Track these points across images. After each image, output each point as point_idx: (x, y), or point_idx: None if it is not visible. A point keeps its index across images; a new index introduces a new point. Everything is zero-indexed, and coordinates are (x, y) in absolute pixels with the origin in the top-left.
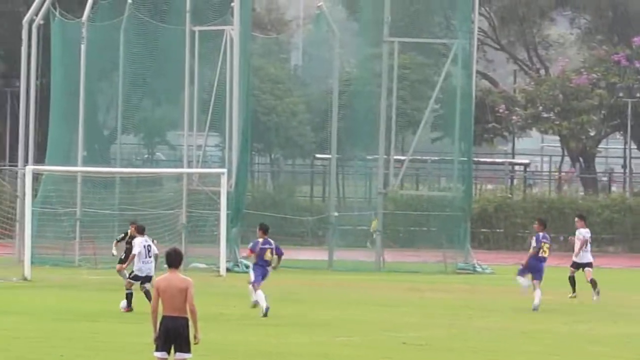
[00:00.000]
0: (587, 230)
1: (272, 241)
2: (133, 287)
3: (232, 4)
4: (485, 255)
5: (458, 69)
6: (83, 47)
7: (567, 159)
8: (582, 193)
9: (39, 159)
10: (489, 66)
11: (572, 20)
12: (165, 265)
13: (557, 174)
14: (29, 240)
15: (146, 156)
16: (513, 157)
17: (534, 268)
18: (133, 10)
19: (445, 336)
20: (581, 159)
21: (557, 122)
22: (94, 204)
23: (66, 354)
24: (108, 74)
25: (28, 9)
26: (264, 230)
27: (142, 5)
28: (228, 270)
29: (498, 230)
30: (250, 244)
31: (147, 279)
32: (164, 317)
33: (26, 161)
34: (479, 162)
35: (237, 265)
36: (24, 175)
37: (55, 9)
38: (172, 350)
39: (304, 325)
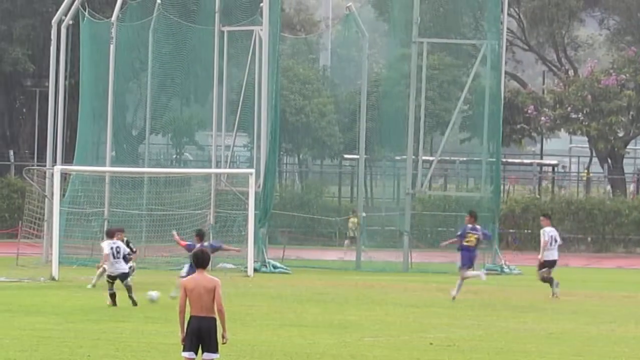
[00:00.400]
0: (552, 228)
1: (206, 244)
2: (115, 287)
3: (261, 5)
4: (513, 256)
5: (487, 69)
6: (112, 47)
7: (595, 159)
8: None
9: (67, 158)
10: (517, 67)
11: (601, 21)
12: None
13: (585, 175)
14: (56, 240)
15: (174, 156)
16: (541, 158)
17: (465, 257)
18: (162, 11)
19: (472, 337)
20: (609, 160)
21: (586, 123)
22: (121, 204)
23: (93, 354)
24: (137, 74)
25: (57, 9)
26: (201, 236)
27: (171, 6)
28: (255, 270)
29: (526, 231)
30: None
31: (123, 276)
32: (191, 317)
33: (54, 161)
34: (507, 163)
35: (265, 266)
36: (52, 175)
37: (84, 9)
38: (200, 351)
39: (331, 326)
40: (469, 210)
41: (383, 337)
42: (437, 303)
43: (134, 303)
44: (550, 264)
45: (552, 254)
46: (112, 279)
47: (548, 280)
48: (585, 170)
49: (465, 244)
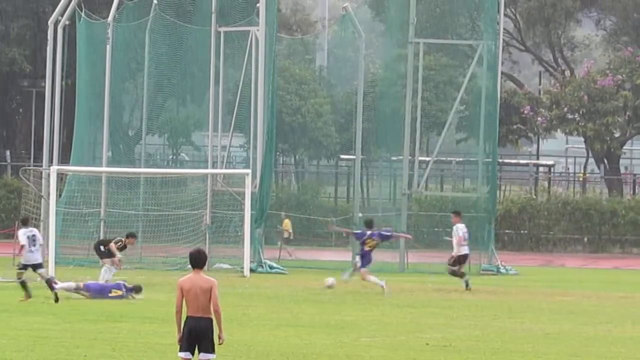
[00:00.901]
0: (463, 225)
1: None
2: (24, 276)
3: (258, 5)
4: (509, 257)
5: (483, 70)
6: (108, 47)
7: (591, 160)
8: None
9: (64, 159)
10: (514, 67)
11: (598, 22)
12: (189, 266)
13: (581, 175)
14: (53, 241)
15: (171, 157)
16: (538, 159)
17: (365, 260)
18: (158, 11)
19: (469, 337)
20: (606, 161)
21: (582, 124)
22: (118, 205)
23: (90, 354)
24: (133, 75)
25: (54, 9)
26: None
27: (167, 6)
28: (252, 270)
29: (522, 231)
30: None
31: (36, 266)
32: (188, 317)
33: (51, 161)
34: (503, 164)
35: (261, 266)
36: (49, 175)
37: (80, 9)
38: (197, 351)
39: (327, 326)
40: (364, 220)
41: (380, 338)
42: (433, 303)
43: (56, 299)
44: (463, 259)
45: (465, 249)
46: (24, 268)
47: (459, 274)
48: (582, 172)
49: (366, 248)
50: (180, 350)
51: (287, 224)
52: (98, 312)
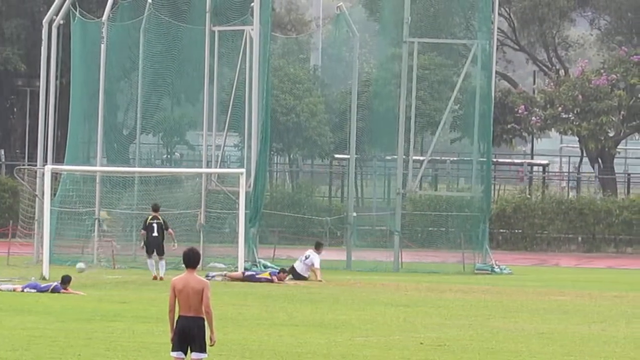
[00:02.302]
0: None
1: None
2: None
3: (252, 4)
4: (503, 256)
5: (477, 69)
6: (103, 46)
7: (585, 159)
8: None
9: (58, 158)
10: (508, 67)
11: (592, 21)
12: (183, 265)
13: (575, 174)
14: (47, 240)
15: (165, 156)
16: (532, 158)
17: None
18: (153, 10)
19: (463, 337)
20: (600, 160)
21: (577, 123)
22: (112, 204)
23: (84, 353)
24: (128, 74)
25: (48, 8)
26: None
27: (162, 5)
28: (246, 269)
29: (516, 230)
30: None
31: None
32: (179, 317)
33: (45, 160)
34: (497, 163)
35: (256, 265)
36: (43, 174)
37: (75, 8)
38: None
39: (321, 326)
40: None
41: (374, 337)
42: (427, 303)
43: None
44: None
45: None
46: None
47: None
48: (576, 171)
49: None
50: (172, 350)
51: (103, 215)
52: (92, 312)
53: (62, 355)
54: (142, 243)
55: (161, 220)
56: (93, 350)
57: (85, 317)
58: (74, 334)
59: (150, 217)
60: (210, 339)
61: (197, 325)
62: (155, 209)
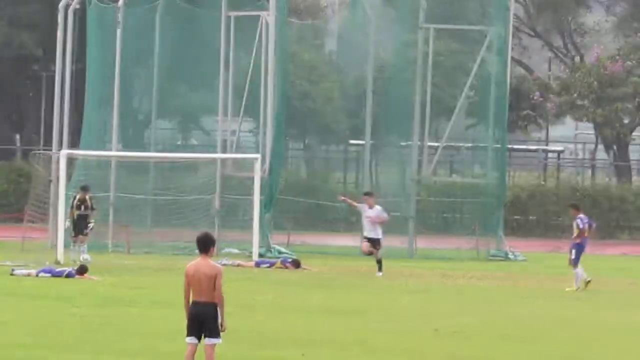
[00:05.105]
0: (379, 207)
1: None
2: None
3: None
4: (517, 243)
5: (493, 56)
6: (119, 31)
7: (600, 146)
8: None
9: (74, 143)
10: (524, 53)
11: (608, 8)
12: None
13: (591, 161)
14: (62, 225)
15: (178, 142)
16: (547, 145)
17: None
18: None
19: (477, 323)
20: (615, 147)
21: (592, 110)
22: (127, 189)
23: (99, 339)
24: (143, 59)
25: None
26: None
27: None
28: (261, 255)
29: (531, 217)
30: None
31: None
32: (192, 303)
33: (60, 145)
34: (512, 149)
35: (270, 251)
36: (58, 159)
37: None
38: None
39: (336, 312)
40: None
41: (388, 323)
42: (442, 289)
43: None
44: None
45: (378, 232)
46: None
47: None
48: (591, 157)
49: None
50: (187, 335)
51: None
52: (107, 297)
53: (77, 341)
54: (68, 223)
55: (88, 202)
56: (108, 335)
57: (100, 303)
58: (89, 319)
59: (77, 198)
60: (221, 325)
61: (209, 310)
62: (85, 189)
